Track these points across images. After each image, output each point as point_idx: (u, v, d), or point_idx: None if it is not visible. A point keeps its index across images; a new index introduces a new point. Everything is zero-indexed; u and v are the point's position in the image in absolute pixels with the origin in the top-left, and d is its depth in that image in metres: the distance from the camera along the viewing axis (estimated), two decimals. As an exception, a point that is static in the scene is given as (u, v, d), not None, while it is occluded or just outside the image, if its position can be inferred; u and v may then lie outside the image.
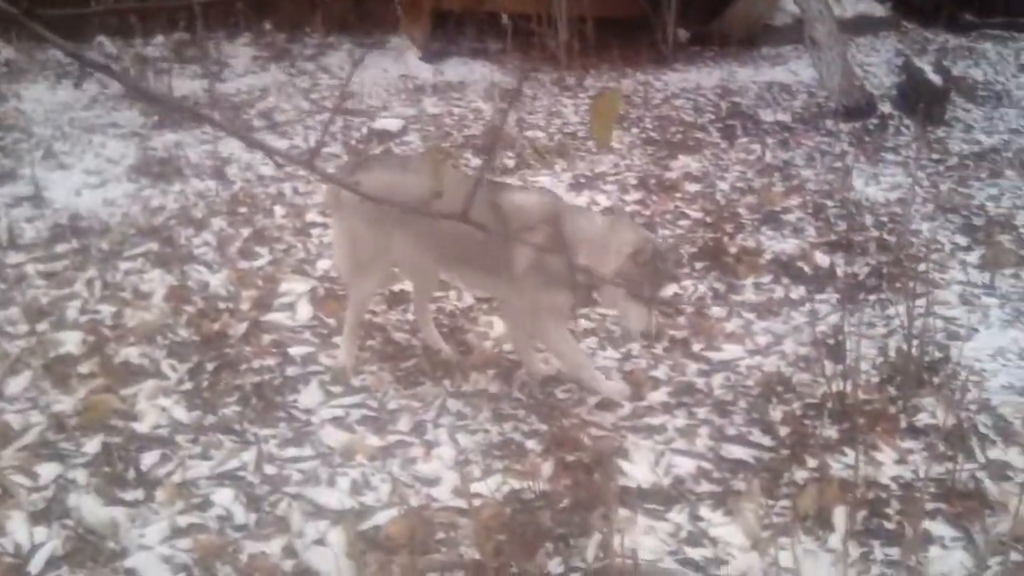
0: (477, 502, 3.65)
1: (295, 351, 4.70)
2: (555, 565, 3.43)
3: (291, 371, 4.56)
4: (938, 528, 3.58)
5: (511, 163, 7.28)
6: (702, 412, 4.33)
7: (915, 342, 4.52)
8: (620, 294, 4.15)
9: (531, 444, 4.06)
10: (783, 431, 4.19)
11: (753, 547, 3.54)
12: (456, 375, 4.53)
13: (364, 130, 8.11)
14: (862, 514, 3.67)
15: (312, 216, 6.24)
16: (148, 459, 3.91)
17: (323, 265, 5.57)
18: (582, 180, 7.02)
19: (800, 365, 4.73)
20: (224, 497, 3.72)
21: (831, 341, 4.78)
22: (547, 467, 3.90)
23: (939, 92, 8.38)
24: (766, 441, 4.14)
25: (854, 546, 3.53)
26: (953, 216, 6.48)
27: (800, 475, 3.91)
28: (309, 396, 4.38)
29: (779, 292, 5.46)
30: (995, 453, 4.05)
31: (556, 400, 4.38)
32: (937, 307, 4.76)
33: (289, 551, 3.46)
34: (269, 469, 3.89)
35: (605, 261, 4.10)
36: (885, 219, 6.40)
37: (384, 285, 4.86)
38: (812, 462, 3.97)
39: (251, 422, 4.18)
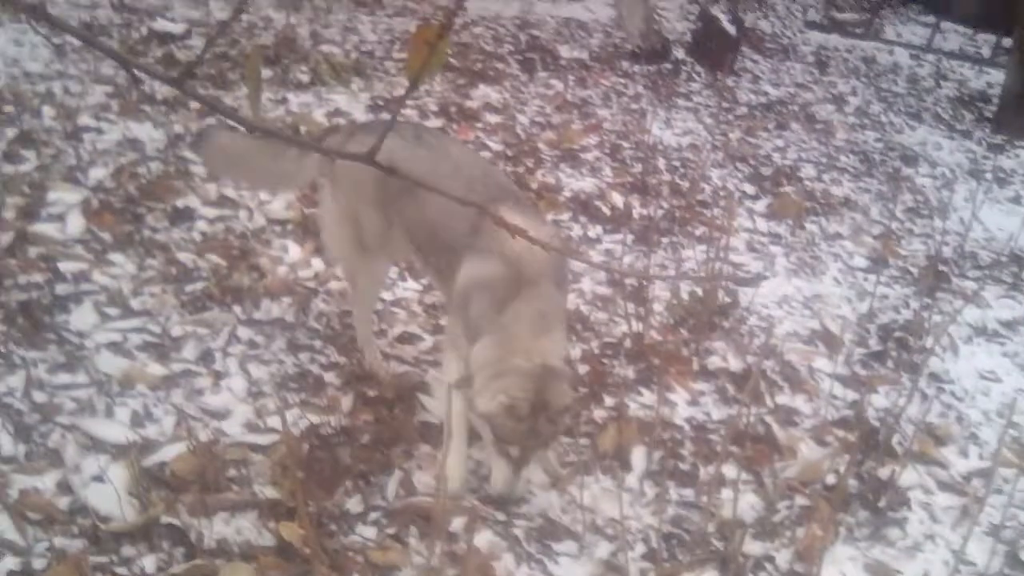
0: (272, 438, 3.47)
1: (66, 267, 4.29)
2: (355, 503, 3.29)
3: (61, 289, 4.16)
4: (730, 471, 3.66)
5: (305, 78, 6.94)
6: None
7: (707, 286, 4.62)
8: (487, 436, 3.27)
9: (329, 377, 3.89)
10: (582, 369, 4.19)
11: (553, 485, 3.52)
12: (247, 301, 4.27)
13: (144, 31, 7.53)
14: (659, 454, 3.71)
15: (85, 119, 5.72)
16: (-101, 383, 3.48)
17: (96, 174, 5.11)
18: (380, 103, 6.77)
19: (598, 304, 4.75)
20: (-12, 426, 3.36)
21: (630, 282, 4.81)
22: (346, 401, 3.75)
23: (731, 42, 8.59)
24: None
25: (650, 485, 3.59)
26: (742, 165, 6.67)
27: (598, 414, 3.92)
28: (82, 317, 4.01)
29: (577, 230, 5.45)
30: (783, 399, 4.20)
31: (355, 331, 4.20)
32: (728, 253, 4.86)
33: (64, 487, 3.16)
34: (39, 396, 3.54)
35: (480, 387, 3.20)
36: (678, 164, 6.51)
37: (388, 267, 4.16)
38: (610, 401, 3.99)
39: (17, 343, 3.79)
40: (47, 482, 3.17)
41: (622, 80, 8.18)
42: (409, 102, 6.81)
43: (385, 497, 3.34)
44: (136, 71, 1.74)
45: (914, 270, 5.60)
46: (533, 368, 3.13)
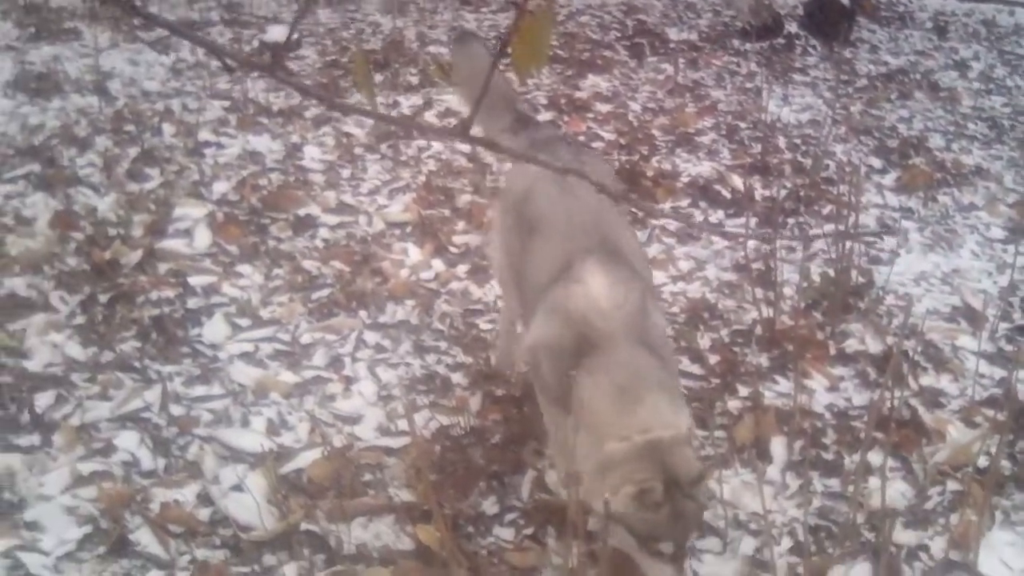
0: (404, 440, 3.46)
1: (195, 281, 4.37)
2: (490, 504, 3.27)
3: (192, 303, 4.24)
4: (876, 458, 3.51)
5: (414, 80, 6.96)
6: (630, 341, 4.18)
7: (839, 266, 4.46)
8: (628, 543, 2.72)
9: (457, 378, 3.87)
10: (713, 359, 4.09)
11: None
12: (372, 306, 4.29)
13: (255, 43, 7.65)
14: (799, 444, 3.59)
15: (205, 135, 5.83)
16: (42, 400, 3.58)
17: (220, 188, 5.21)
18: (490, 100, 6.73)
19: (724, 291, 4.63)
20: (128, 441, 3.44)
21: (756, 266, 4.67)
22: (475, 401, 3.72)
23: (845, 12, 8.32)
24: (696, 370, 4.03)
25: (793, 477, 3.47)
26: (867, 138, 6.44)
27: (733, 404, 3.81)
28: (214, 330, 4.09)
29: (698, 216, 5.33)
30: (927, 380, 4.02)
31: (480, 331, 4.18)
32: (858, 230, 4.69)
33: (204, 498, 3.21)
34: (176, 409, 3.61)
35: (591, 488, 2.62)
36: (798, 141, 6.32)
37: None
38: (744, 391, 3.88)
39: (152, 359, 3.88)
40: (187, 494, 3.22)
41: (734, 59, 7.98)
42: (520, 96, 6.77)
43: (520, 497, 3.31)
44: (228, 60, 1.73)
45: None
46: (640, 445, 2.61)
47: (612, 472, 2.61)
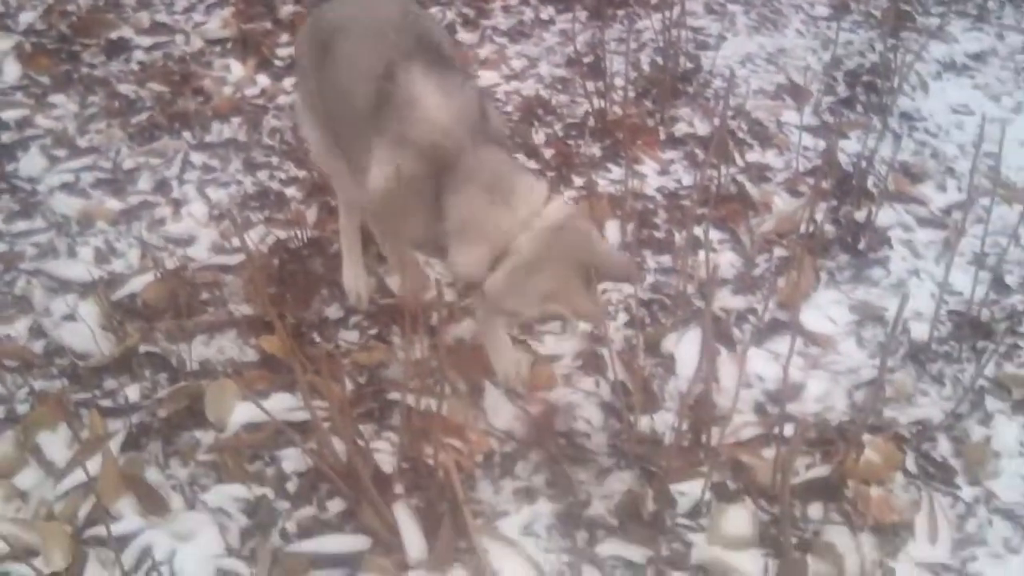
0: (240, 257, 3.41)
1: (8, 115, 4.13)
2: (333, 311, 3.28)
3: (6, 137, 4.02)
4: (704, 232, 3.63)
5: None
6: (465, 141, 4.17)
7: (668, 54, 4.49)
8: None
9: (291, 192, 3.80)
10: (548, 153, 4.11)
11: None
12: (196, 126, 4.14)
13: None
14: (631, 226, 3.67)
15: (5, -37, 5.42)
16: None
17: (25, 18, 4.87)
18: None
19: (557, 87, 4.62)
20: (-49, 281, 3.31)
21: (587, 60, 4.67)
22: (311, 214, 3.67)
23: None
24: (532, 164, 4.04)
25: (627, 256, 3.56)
26: (691, -77, 6.38)
27: (569, 194, 3.86)
28: (31, 163, 3.89)
29: (529, 14, 5.25)
30: (753, 156, 4.14)
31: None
32: (686, 18, 4.71)
33: (36, 331, 3.13)
34: (-2, 246, 3.48)
35: (519, 289, 2.57)
36: (624, -70, 6.22)
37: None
38: (579, 180, 3.93)
39: (-32, 197, 3.70)
40: (19, 328, 3.13)
41: None
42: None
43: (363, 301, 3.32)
44: None
45: (877, 13, 5.43)
46: (552, 245, 2.53)
47: (529, 275, 2.53)
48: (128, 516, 2.56)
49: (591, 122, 4.28)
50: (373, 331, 3.21)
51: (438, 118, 2.61)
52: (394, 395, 2.92)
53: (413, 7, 2.95)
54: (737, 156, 4.10)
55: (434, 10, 5.18)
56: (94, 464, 2.61)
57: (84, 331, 3.06)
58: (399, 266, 3.07)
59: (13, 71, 4.46)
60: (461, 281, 2.93)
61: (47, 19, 4.87)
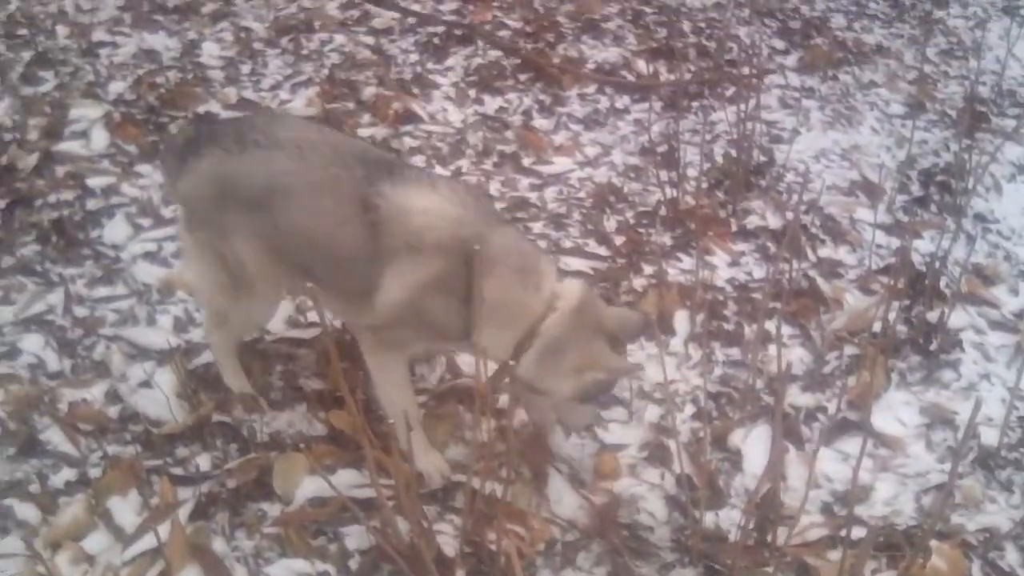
0: (313, 332, 3.47)
1: (94, 182, 4.28)
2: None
3: (92, 204, 4.16)
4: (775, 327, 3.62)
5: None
6: (538, 226, 4.23)
7: (742, 146, 4.53)
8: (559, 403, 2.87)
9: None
10: (618, 240, 4.15)
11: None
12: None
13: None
14: (701, 317, 3.68)
15: (99, 35, 5.65)
16: (-59, 307, 3.53)
17: (116, 88, 5.08)
18: None
19: (630, 175, 4.67)
20: (33, 343, 3.41)
21: (661, 149, 4.72)
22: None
23: None
24: (602, 251, 4.09)
25: (695, 348, 3.56)
26: (770, 20, 6.46)
27: (638, 283, 3.89)
28: (115, 230, 4.02)
29: (604, 102, 5.34)
30: (825, 252, 4.14)
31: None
32: (760, 111, 4.75)
33: (113, 396, 3.21)
34: (79, 311, 3.58)
35: (552, 368, 2.72)
36: (703, 25, 6.32)
37: (269, 310, 3.17)
38: (649, 269, 3.95)
39: (53, 262, 3.82)
40: (95, 393, 3.22)
41: (639, -57, 7.91)
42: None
43: (429, 380, 3.35)
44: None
45: (952, 112, 5.43)
46: (577, 320, 2.70)
47: (560, 352, 2.68)
48: (193, 586, 2.58)
49: (663, 211, 4.31)
50: (439, 411, 3.22)
51: (443, 212, 2.70)
52: (459, 477, 2.92)
53: (334, 137, 2.99)
54: (809, 251, 4.10)
55: (511, 96, 5.29)
56: (162, 531, 2.65)
57: (159, 398, 3.13)
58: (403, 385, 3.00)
59: (101, 139, 4.63)
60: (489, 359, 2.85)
61: (136, 90, 5.07)
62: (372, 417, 3.12)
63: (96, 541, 2.72)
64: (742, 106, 4.46)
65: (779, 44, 6.11)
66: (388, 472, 2.55)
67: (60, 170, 4.36)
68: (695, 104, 5.31)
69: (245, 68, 5.41)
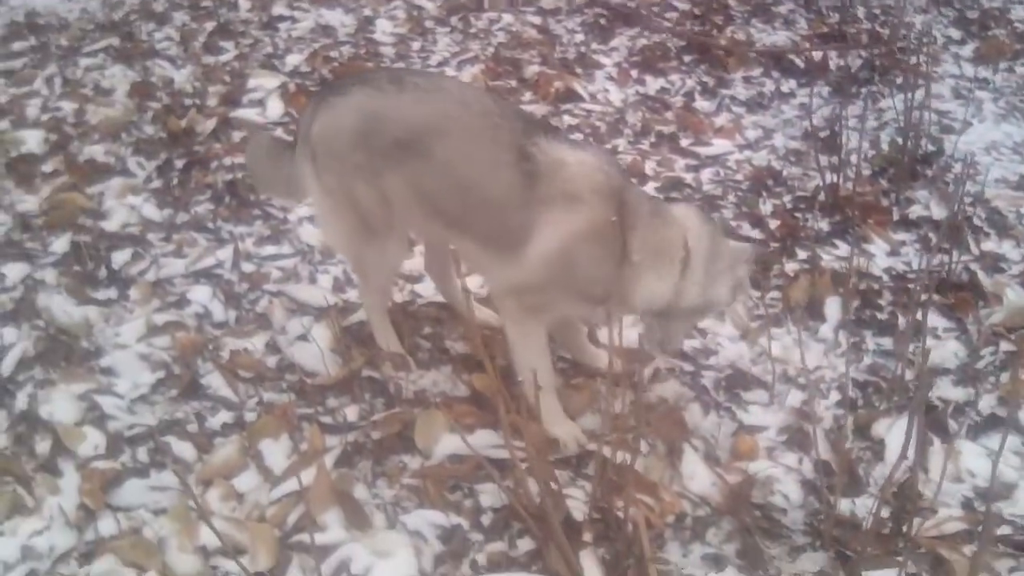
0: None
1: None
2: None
3: (264, 169, 4.36)
4: (932, 319, 3.52)
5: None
6: (691, 207, 4.21)
7: (909, 135, 4.39)
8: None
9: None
10: (773, 224, 4.10)
11: (743, 337, 3.49)
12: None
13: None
14: (854, 305, 3.61)
15: (279, 9, 5.93)
16: (119, 257, 3.78)
17: (292, 60, 5.32)
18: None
19: (791, 159, 4.61)
20: (201, 294, 3.62)
21: (824, 134, 4.63)
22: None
23: None
24: (756, 234, 4.05)
25: (845, 336, 3.49)
26: (947, 9, 6.24)
27: (791, 267, 3.83)
28: (284, 194, 4.21)
29: (769, 85, 5.27)
30: (989, 246, 3.99)
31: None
32: (931, 100, 4.60)
33: (272, 347, 3.37)
34: (247, 267, 3.77)
35: (711, 277, 2.86)
36: (878, 11, 6.16)
37: (402, 253, 3.31)
38: (803, 254, 3.89)
39: (225, 220, 4.04)
40: (256, 343, 3.39)
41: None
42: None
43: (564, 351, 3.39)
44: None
45: None
46: (711, 229, 2.89)
47: (716, 259, 2.86)
48: (333, 528, 2.70)
49: (821, 196, 4.23)
50: (579, 379, 3.27)
51: (596, 164, 2.85)
52: (593, 445, 2.96)
53: (492, 96, 3.11)
54: (972, 244, 3.95)
55: (674, 77, 5.27)
56: (308, 475, 2.79)
57: (315, 351, 3.28)
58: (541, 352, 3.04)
59: (276, 108, 4.86)
60: (644, 316, 2.95)
61: (311, 62, 5.29)
62: (512, 382, 3.20)
63: (246, 480, 2.87)
64: (910, 94, 4.33)
65: (955, 33, 5.90)
66: (523, 435, 2.61)
67: (236, 135, 4.60)
68: (863, 91, 5.18)
69: (415, 45, 5.57)
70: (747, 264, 2.99)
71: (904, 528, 2.69)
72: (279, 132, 4.62)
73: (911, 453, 2.48)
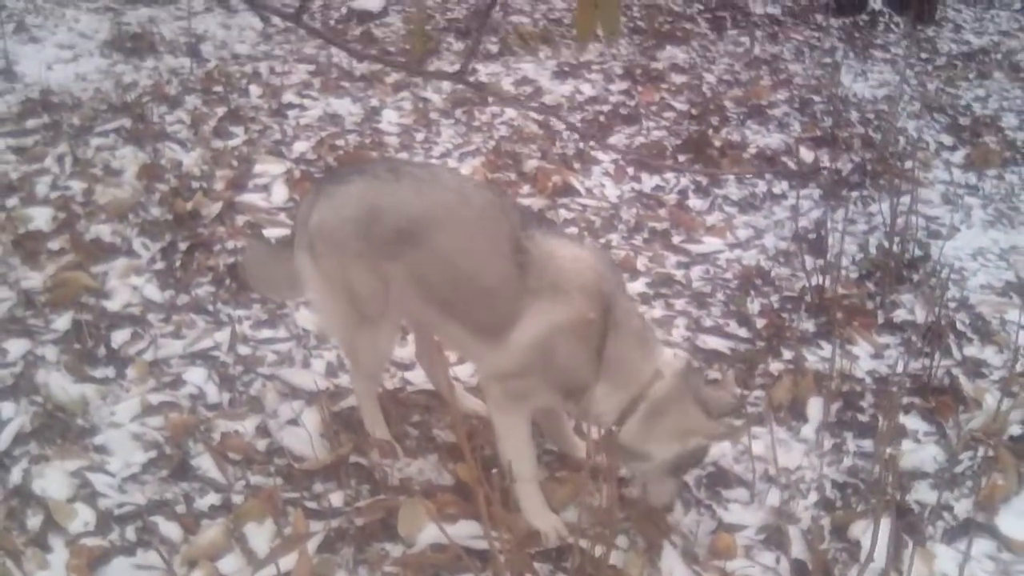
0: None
1: (270, 232, 4.60)
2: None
3: (266, 253, 4.47)
4: (912, 422, 3.59)
5: (494, 48, 7.12)
6: (680, 303, 4.31)
7: (896, 239, 4.51)
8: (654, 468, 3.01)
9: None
10: (760, 323, 4.18)
11: (725, 436, 3.54)
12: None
13: (343, 10, 7.90)
14: (836, 406, 3.67)
15: (289, 97, 6.10)
16: (119, 337, 3.86)
17: (299, 147, 5.47)
18: (566, 68, 6.88)
19: (780, 259, 4.71)
20: (197, 376, 3.69)
21: (812, 236, 4.75)
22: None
23: (931, -10, 8.24)
24: (742, 333, 4.14)
25: (827, 437, 3.55)
26: (939, 115, 6.42)
27: (775, 367, 3.91)
28: (284, 278, 4.31)
29: (762, 187, 5.40)
30: (971, 351, 4.07)
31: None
32: (920, 205, 4.73)
33: (263, 430, 3.44)
34: (243, 349, 3.85)
35: (656, 432, 2.91)
36: (871, 116, 6.33)
37: (394, 340, 3.40)
38: (788, 354, 3.97)
39: (224, 303, 4.13)
40: (247, 426, 3.45)
41: (815, 33, 7.99)
42: (595, 66, 6.88)
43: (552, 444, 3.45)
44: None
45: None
46: (681, 387, 2.89)
47: (664, 416, 2.89)
48: (313, 613, 2.74)
49: (808, 297, 4.32)
50: (562, 473, 3.32)
51: (589, 263, 2.96)
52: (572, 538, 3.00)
53: (490, 188, 3.25)
54: (955, 348, 4.03)
55: (669, 175, 5.41)
56: (290, 560, 2.83)
57: (304, 436, 3.35)
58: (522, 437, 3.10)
59: (281, 193, 4.99)
60: (591, 422, 2.99)
61: (317, 150, 5.44)
62: (497, 474, 3.25)
63: (230, 563, 2.90)
64: (897, 199, 4.45)
65: (947, 139, 6.06)
66: (507, 527, 2.67)
67: (240, 219, 4.71)
68: (854, 194, 5.31)
69: (419, 135, 5.73)
70: (706, 440, 2.95)
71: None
72: (282, 216, 4.75)
73: (879, 555, 2.53)
